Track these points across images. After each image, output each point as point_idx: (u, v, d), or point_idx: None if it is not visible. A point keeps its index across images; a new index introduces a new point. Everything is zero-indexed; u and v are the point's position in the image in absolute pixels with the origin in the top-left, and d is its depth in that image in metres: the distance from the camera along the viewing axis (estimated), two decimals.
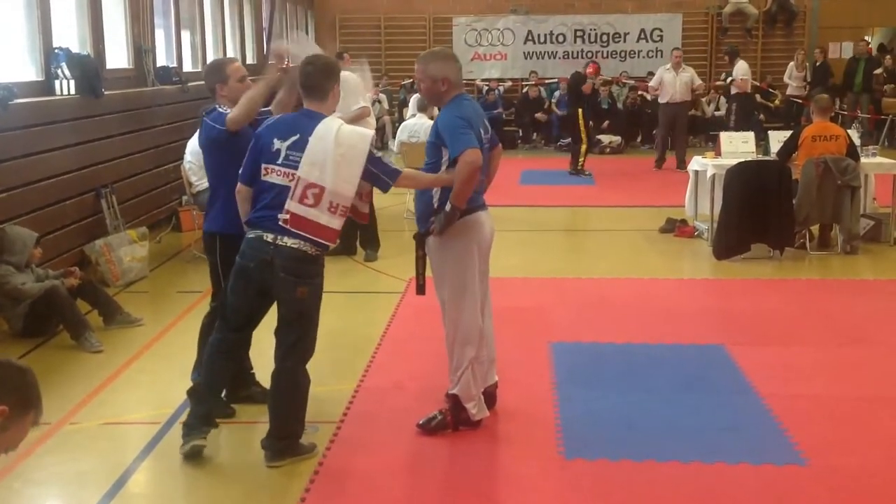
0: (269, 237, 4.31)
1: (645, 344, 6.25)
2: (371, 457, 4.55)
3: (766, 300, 7.34)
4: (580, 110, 14.24)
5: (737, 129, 11.94)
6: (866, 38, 18.97)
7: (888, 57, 17.61)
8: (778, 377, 5.57)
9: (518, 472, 4.41)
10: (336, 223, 4.32)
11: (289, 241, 4.28)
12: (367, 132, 4.49)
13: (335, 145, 4.26)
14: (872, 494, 4.15)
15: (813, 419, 4.95)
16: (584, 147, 14.25)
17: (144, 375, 5.82)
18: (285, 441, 4.46)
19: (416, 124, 11.30)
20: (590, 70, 14.48)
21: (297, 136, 4.31)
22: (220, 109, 4.84)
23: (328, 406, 5.11)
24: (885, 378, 5.60)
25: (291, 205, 4.27)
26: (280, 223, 4.28)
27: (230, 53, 14.00)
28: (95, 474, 4.41)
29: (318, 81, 4.44)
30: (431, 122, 11.23)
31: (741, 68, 14.93)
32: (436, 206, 4.65)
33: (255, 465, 4.44)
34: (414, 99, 12.50)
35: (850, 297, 7.48)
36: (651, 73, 17.91)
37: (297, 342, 4.42)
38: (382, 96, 17.92)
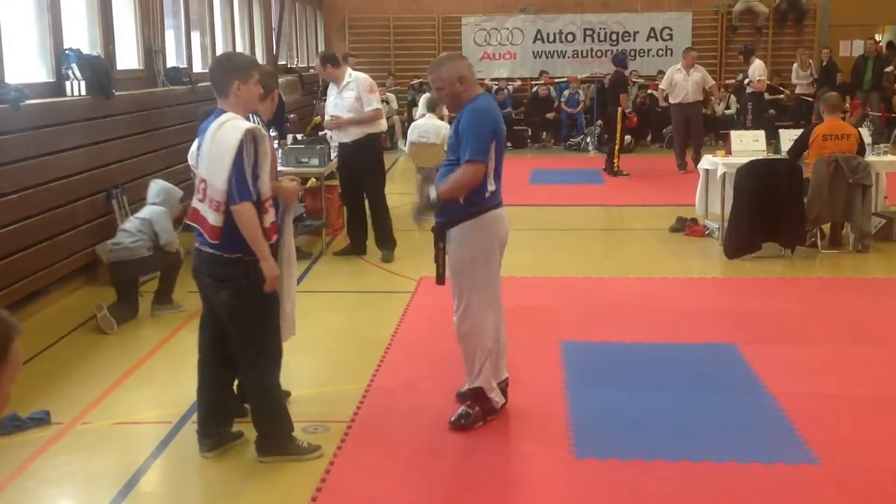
0: (197, 243, 4.41)
1: (655, 343, 6.24)
2: (382, 456, 4.55)
3: (778, 299, 7.32)
4: (620, 110, 14.21)
5: (754, 129, 11.86)
6: (876, 36, 18.86)
7: None
8: (789, 376, 5.55)
9: (529, 472, 4.41)
10: (213, 218, 4.22)
11: (205, 248, 4.33)
12: (242, 128, 4.18)
13: (211, 139, 4.25)
14: (885, 493, 4.14)
15: (824, 418, 4.93)
16: (616, 147, 14.25)
17: (156, 375, 5.84)
18: (270, 440, 4.50)
19: (426, 124, 11.31)
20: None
21: (202, 135, 4.35)
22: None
23: (338, 406, 5.12)
24: None
25: (194, 200, 4.36)
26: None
27: None
28: (108, 474, 4.43)
29: (217, 76, 4.39)
30: (441, 122, 11.31)
31: (758, 68, 14.84)
32: (461, 200, 4.68)
33: (267, 464, 4.45)
34: (423, 99, 12.52)
35: (861, 295, 7.45)
36: (661, 72, 17.89)
37: (243, 345, 4.43)
38: (391, 96, 17.92)
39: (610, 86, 14.76)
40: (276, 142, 9.56)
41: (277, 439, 4.50)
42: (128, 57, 9.65)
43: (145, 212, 7.25)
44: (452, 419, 4.81)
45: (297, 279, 7.90)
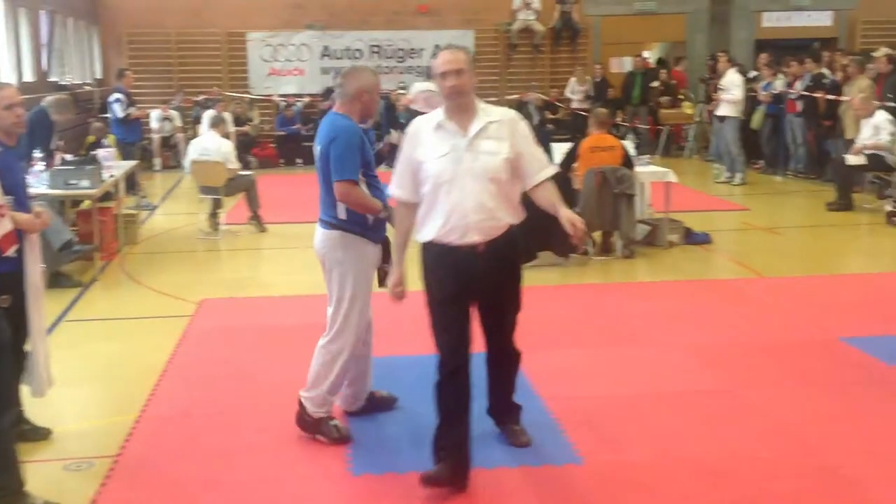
0: None
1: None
2: (149, 491, 4.38)
3: (552, 306, 7.61)
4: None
5: None
6: (644, 53, 20.07)
7: (663, 71, 18.72)
8: (559, 380, 5.78)
9: (303, 494, 4.37)
10: None
11: None
12: None
13: None
14: (642, 486, 4.37)
15: (590, 418, 5.17)
16: None
17: None
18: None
19: (208, 141, 11.03)
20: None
21: None
22: None
23: (106, 440, 4.90)
24: (657, 375, 5.92)
25: None
26: None
27: (5, 70, 13.23)
28: None
29: None
30: (223, 140, 11.06)
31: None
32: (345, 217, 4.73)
33: None
34: (206, 116, 12.20)
35: (628, 299, 7.87)
36: None
37: None
38: (174, 113, 17.42)
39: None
40: (43, 163, 9.08)
41: (4, 496, 4.05)
42: None
43: None
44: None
45: (67, 307, 7.58)
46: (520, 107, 18.62)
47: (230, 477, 4.54)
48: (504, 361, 4.80)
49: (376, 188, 4.85)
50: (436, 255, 4.32)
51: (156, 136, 17.12)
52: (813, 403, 5.35)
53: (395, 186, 4.41)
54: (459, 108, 4.26)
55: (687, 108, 18.37)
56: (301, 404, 4.97)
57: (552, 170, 4.40)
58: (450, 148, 4.22)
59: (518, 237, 4.42)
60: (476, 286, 4.34)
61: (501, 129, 4.29)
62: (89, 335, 6.87)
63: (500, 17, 19.72)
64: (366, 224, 4.77)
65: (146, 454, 4.76)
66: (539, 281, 8.42)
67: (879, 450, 4.71)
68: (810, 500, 4.23)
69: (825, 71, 14.52)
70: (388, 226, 4.88)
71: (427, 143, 4.28)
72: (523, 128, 4.39)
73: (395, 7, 19.77)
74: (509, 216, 4.36)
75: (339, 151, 4.67)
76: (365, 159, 4.76)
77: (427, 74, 16.59)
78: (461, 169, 4.20)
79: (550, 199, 4.39)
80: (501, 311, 4.59)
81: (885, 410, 5.23)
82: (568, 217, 4.23)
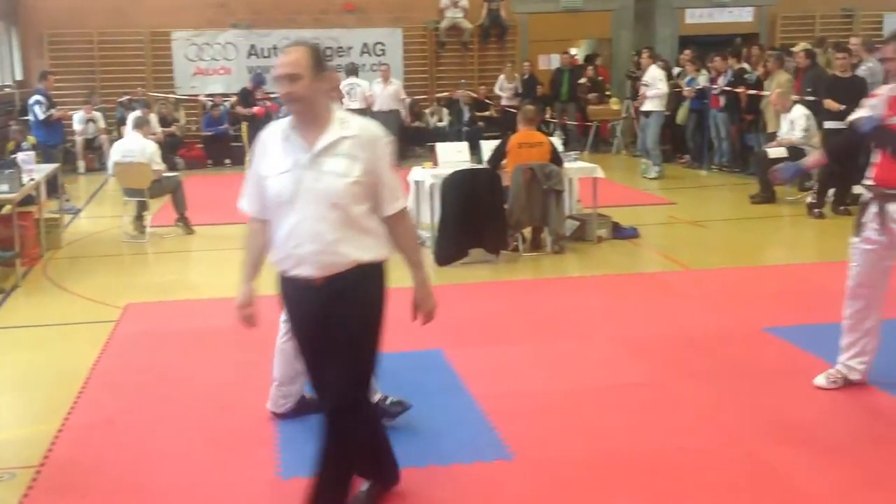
0: None
1: None
2: (75, 499, 4.29)
3: (484, 302, 7.64)
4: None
5: None
6: (571, 50, 20.24)
7: (590, 68, 18.92)
8: (490, 376, 5.81)
9: (235, 498, 4.31)
10: None
11: None
12: None
13: None
14: (573, 482, 4.40)
15: (521, 414, 5.19)
16: None
17: None
18: None
19: (131, 143, 10.82)
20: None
21: None
22: None
23: (27, 449, 4.77)
24: (587, 369, 5.98)
25: None
26: None
27: None
28: None
29: None
30: (147, 141, 10.86)
31: None
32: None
33: None
34: (131, 117, 11.97)
35: (558, 294, 7.94)
36: None
37: None
38: (98, 115, 17.06)
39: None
40: None
41: None
42: None
43: None
44: None
45: None
46: (449, 104, 18.71)
47: (156, 484, 4.46)
48: (339, 430, 3.83)
49: None
50: (281, 280, 3.77)
51: (79, 138, 16.77)
52: (739, 393, 5.45)
53: (244, 199, 3.84)
54: (303, 117, 3.62)
55: (614, 104, 18.60)
56: None
57: (405, 202, 3.80)
58: (292, 164, 3.58)
59: (377, 275, 3.78)
60: (317, 323, 3.70)
61: (356, 147, 3.58)
62: (11, 343, 6.70)
63: (427, 15, 19.71)
64: None
65: (70, 463, 4.65)
66: (470, 278, 8.46)
67: (803, 438, 4.82)
68: (739, 489, 4.30)
69: (746, 66, 14.84)
70: None
71: (272, 156, 3.67)
72: (384, 148, 3.69)
73: (321, 5, 19.63)
74: (359, 251, 3.63)
75: None
76: None
77: (347, 71, 16.71)
78: (301, 189, 3.55)
79: (404, 245, 3.84)
80: (342, 354, 3.69)
81: (808, 399, 5.35)
82: (415, 299, 3.94)
